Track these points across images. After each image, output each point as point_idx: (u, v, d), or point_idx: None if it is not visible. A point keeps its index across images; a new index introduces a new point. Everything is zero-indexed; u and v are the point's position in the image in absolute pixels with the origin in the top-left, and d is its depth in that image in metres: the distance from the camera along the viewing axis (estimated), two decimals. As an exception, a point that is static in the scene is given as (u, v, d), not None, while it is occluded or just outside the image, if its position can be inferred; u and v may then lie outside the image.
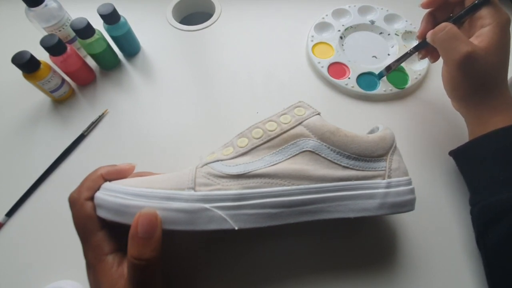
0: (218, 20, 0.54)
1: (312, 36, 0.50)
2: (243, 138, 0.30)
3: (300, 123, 0.29)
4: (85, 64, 0.45)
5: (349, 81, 0.45)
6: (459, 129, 0.40)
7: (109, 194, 0.25)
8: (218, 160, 0.28)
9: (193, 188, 0.26)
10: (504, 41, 0.32)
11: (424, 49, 0.39)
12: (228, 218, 0.25)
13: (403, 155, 0.32)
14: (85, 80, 0.47)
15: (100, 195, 0.26)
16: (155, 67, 0.49)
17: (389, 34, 0.50)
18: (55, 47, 0.40)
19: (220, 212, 0.25)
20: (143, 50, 0.51)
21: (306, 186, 0.27)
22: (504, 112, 0.33)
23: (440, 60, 0.39)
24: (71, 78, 0.46)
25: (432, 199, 0.36)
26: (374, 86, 0.45)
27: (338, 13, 0.52)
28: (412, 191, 0.30)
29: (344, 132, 0.30)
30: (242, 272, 0.33)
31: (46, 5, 0.41)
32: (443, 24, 0.33)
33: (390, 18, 0.51)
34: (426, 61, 0.46)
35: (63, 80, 0.44)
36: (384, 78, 0.45)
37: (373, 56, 0.48)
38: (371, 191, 0.28)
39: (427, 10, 0.38)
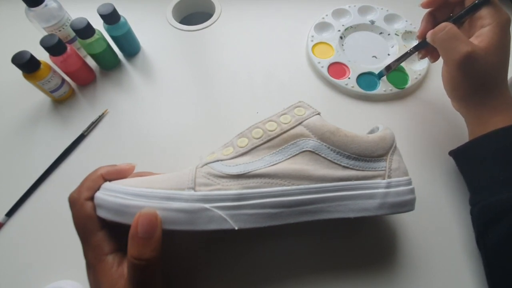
0: (218, 20, 0.54)
1: (312, 36, 0.50)
2: (243, 138, 0.30)
3: (300, 123, 0.29)
4: (85, 64, 0.45)
5: (349, 81, 0.45)
6: (459, 129, 0.40)
7: (109, 194, 0.25)
8: (218, 160, 0.28)
9: (193, 188, 0.26)
10: (504, 41, 0.32)
11: (424, 49, 0.39)
12: (228, 218, 0.25)
13: (403, 155, 0.32)
14: (85, 80, 0.47)
15: (100, 195, 0.26)
16: (155, 67, 0.49)
17: (389, 34, 0.50)
18: (55, 47, 0.40)
19: (220, 212, 0.25)
20: (143, 50, 0.51)
21: (306, 186, 0.27)
22: (504, 112, 0.33)
23: (440, 60, 0.39)
24: (71, 78, 0.46)
25: (432, 199, 0.36)
26: (374, 86, 0.45)
27: (338, 13, 0.52)
28: (412, 191, 0.30)
29: (344, 132, 0.30)
30: (242, 272, 0.33)
31: (46, 5, 0.41)
32: (443, 24, 0.33)
33: (390, 18, 0.51)
34: (426, 61, 0.46)
35: (63, 80, 0.44)
36: (384, 78, 0.45)
37: (373, 56, 0.48)
38: (371, 191, 0.28)
39: (427, 10, 0.38)
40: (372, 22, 0.51)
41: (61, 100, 0.45)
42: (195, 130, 0.43)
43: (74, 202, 0.26)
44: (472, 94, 0.34)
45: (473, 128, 0.35)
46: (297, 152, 0.29)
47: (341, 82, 0.45)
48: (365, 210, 0.28)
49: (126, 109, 0.45)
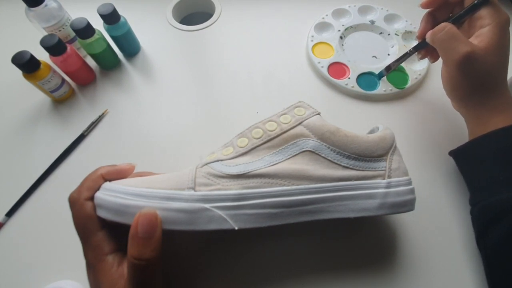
0: (218, 20, 0.54)
1: (312, 36, 0.50)
2: (243, 138, 0.30)
3: (300, 123, 0.29)
4: (85, 64, 0.45)
5: (349, 81, 0.45)
6: (459, 129, 0.40)
7: (109, 194, 0.25)
8: (218, 160, 0.28)
9: (193, 188, 0.26)
10: (503, 41, 0.32)
11: (424, 49, 0.39)
12: (228, 218, 0.25)
13: (403, 155, 0.32)
14: (85, 80, 0.47)
15: (100, 195, 0.26)
16: (155, 67, 0.49)
17: (389, 34, 0.50)
18: (55, 47, 0.40)
19: (220, 212, 0.25)
20: (143, 50, 0.51)
21: (306, 186, 0.27)
22: (504, 112, 0.33)
23: (440, 60, 0.39)
24: (71, 78, 0.46)
25: (432, 199, 0.36)
26: (374, 86, 0.45)
27: (338, 13, 0.52)
28: (412, 191, 0.30)
29: (344, 132, 0.30)
30: (242, 272, 0.33)
31: (46, 5, 0.41)
32: (443, 24, 0.33)
33: (390, 18, 0.51)
34: (426, 61, 0.46)
35: (63, 80, 0.44)
36: (384, 78, 0.45)
37: (373, 56, 0.48)
38: (371, 191, 0.28)
39: (427, 10, 0.38)
40: (372, 22, 0.51)
41: (61, 100, 0.45)
42: (195, 130, 0.43)
43: (74, 202, 0.26)
44: (472, 94, 0.34)
45: (473, 128, 0.35)
46: (297, 152, 0.29)
47: (341, 82, 0.45)
48: (365, 210, 0.28)
49: (126, 109, 0.45)
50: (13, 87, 0.46)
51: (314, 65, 0.47)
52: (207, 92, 0.46)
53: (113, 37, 0.46)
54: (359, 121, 0.42)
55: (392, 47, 0.49)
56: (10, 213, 0.37)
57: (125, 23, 0.45)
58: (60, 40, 0.40)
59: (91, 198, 0.26)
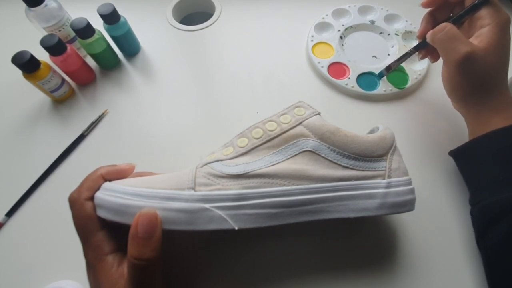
0: (218, 20, 0.54)
1: (312, 36, 0.50)
2: (243, 138, 0.30)
3: (300, 123, 0.29)
4: (85, 64, 0.45)
5: (349, 81, 0.45)
6: (459, 129, 0.40)
7: (109, 194, 0.25)
8: (218, 160, 0.28)
9: (193, 188, 0.26)
10: (503, 41, 0.32)
11: (424, 49, 0.39)
12: (228, 218, 0.25)
13: (403, 155, 0.32)
14: (85, 80, 0.47)
15: (100, 195, 0.26)
16: (155, 67, 0.49)
17: (389, 34, 0.50)
18: (55, 47, 0.40)
19: (220, 212, 0.25)
20: (143, 50, 0.51)
21: (306, 186, 0.27)
22: (504, 112, 0.33)
23: (440, 60, 0.39)
24: (71, 78, 0.46)
25: (432, 199, 0.36)
26: (374, 86, 0.45)
27: (338, 13, 0.52)
28: (412, 191, 0.30)
29: (344, 132, 0.30)
30: (242, 272, 0.33)
31: (46, 5, 0.41)
32: (443, 24, 0.33)
33: (390, 18, 0.51)
34: (426, 61, 0.46)
35: (63, 80, 0.44)
36: (384, 78, 0.45)
37: (373, 56, 0.48)
38: (371, 191, 0.28)
39: (427, 10, 0.38)
40: (372, 22, 0.51)
41: (61, 100, 0.45)
42: (195, 130, 0.43)
43: (74, 202, 0.26)
44: (472, 94, 0.34)
45: (473, 128, 0.35)
46: (297, 152, 0.29)
47: (341, 82, 0.45)
48: (365, 210, 0.28)
49: (126, 109, 0.45)
50: (13, 87, 0.46)
51: (314, 65, 0.47)
52: (207, 92, 0.46)
53: (113, 37, 0.46)
54: (359, 121, 0.42)
55: (392, 47, 0.49)
56: (10, 213, 0.37)
57: (125, 23, 0.45)
58: (60, 40, 0.40)
59: (91, 198, 0.26)
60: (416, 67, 0.46)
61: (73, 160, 0.41)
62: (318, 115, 0.30)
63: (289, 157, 0.28)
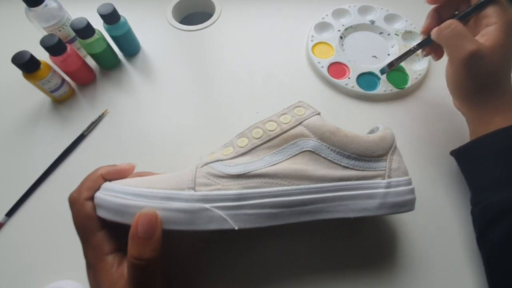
0: (218, 20, 0.54)
1: (312, 36, 0.50)
2: (243, 138, 0.30)
3: (300, 123, 0.29)
4: (85, 64, 0.45)
5: (349, 81, 0.45)
6: (459, 129, 0.40)
7: (109, 194, 0.25)
8: (218, 160, 0.28)
9: (193, 188, 0.26)
10: (509, 40, 0.31)
11: (428, 46, 0.39)
12: (228, 218, 0.25)
13: (403, 155, 0.32)
14: (85, 80, 0.47)
15: (100, 195, 0.26)
16: (155, 67, 0.49)
17: (389, 34, 0.50)
18: (55, 47, 0.40)
19: (220, 212, 0.25)
20: (143, 50, 0.51)
21: (306, 186, 0.27)
22: (506, 112, 0.32)
23: (441, 60, 0.39)
24: (71, 78, 0.46)
25: (432, 199, 0.36)
26: (374, 86, 0.45)
27: (338, 13, 0.52)
28: (412, 191, 0.30)
29: (344, 132, 0.30)
30: (242, 272, 0.33)
31: (46, 5, 0.41)
32: (449, 21, 0.33)
33: (390, 18, 0.51)
34: (426, 61, 0.46)
35: (63, 80, 0.44)
36: (384, 78, 0.45)
37: (373, 56, 0.48)
38: (371, 191, 0.28)
39: (432, 7, 0.37)
40: (372, 22, 0.51)
41: (61, 100, 0.45)
42: (195, 130, 0.43)
43: (74, 202, 0.26)
44: (476, 93, 0.33)
45: (474, 127, 0.35)
46: (297, 152, 0.29)
47: (341, 82, 0.45)
48: (365, 210, 0.28)
49: (126, 109, 0.45)
50: (13, 87, 0.46)
51: (314, 65, 0.47)
52: (207, 92, 0.46)
53: (113, 37, 0.46)
54: (359, 121, 0.42)
55: (392, 47, 0.49)
56: (10, 213, 0.37)
57: (125, 23, 0.45)
58: (60, 40, 0.40)
59: (91, 198, 0.26)
60: (416, 67, 0.46)
61: (73, 160, 0.41)
62: (318, 115, 0.30)
63: (289, 157, 0.28)
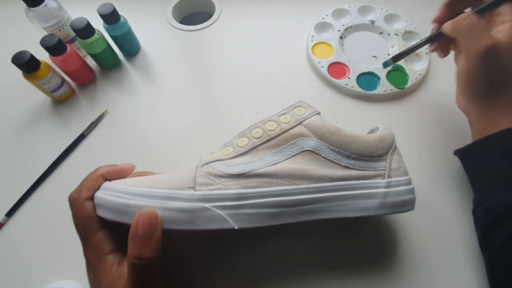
0: (218, 20, 0.54)
1: (312, 36, 0.50)
2: (243, 137, 0.30)
3: (300, 123, 0.29)
4: (85, 64, 0.45)
5: (349, 81, 0.45)
6: (459, 128, 0.40)
7: (109, 194, 0.25)
8: (218, 160, 0.28)
9: (193, 188, 0.26)
10: None
11: (437, 41, 0.38)
12: (228, 217, 0.25)
13: (403, 155, 0.32)
14: (85, 80, 0.47)
15: (100, 194, 0.26)
16: (155, 67, 0.49)
17: (389, 34, 0.50)
18: (55, 47, 0.40)
19: (220, 212, 0.25)
20: (143, 50, 0.51)
21: (306, 185, 0.27)
22: None
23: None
24: (71, 78, 0.46)
25: (432, 198, 0.36)
26: (374, 86, 0.45)
27: (338, 13, 0.52)
28: (412, 190, 0.30)
29: (344, 132, 0.30)
30: (242, 272, 0.33)
31: (46, 5, 0.41)
32: (466, 13, 0.32)
33: (390, 18, 0.51)
34: (426, 61, 0.46)
35: (63, 80, 0.44)
36: (384, 78, 0.45)
37: (373, 56, 0.48)
38: (371, 190, 0.28)
39: (444, 1, 0.37)
40: (372, 22, 0.51)
41: (61, 100, 0.45)
42: (195, 130, 0.43)
43: (74, 202, 0.26)
44: (488, 89, 0.32)
45: (481, 127, 0.33)
46: (297, 152, 0.29)
47: (341, 82, 0.45)
48: (365, 210, 0.28)
49: (126, 109, 0.45)
50: (13, 87, 0.46)
51: (314, 65, 0.47)
52: (207, 92, 0.46)
53: (113, 37, 0.46)
54: (359, 121, 0.42)
55: (392, 47, 0.49)
56: (10, 213, 0.37)
57: (125, 23, 0.45)
58: (60, 40, 0.40)
59: (91, 198, 0.26)
60: (416, 67, 0.46)
61: (73, 160, 0.41)
62: (318, 115, 0.30)
63: (289, 156, 0.28)
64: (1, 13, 0.56)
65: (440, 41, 0.38)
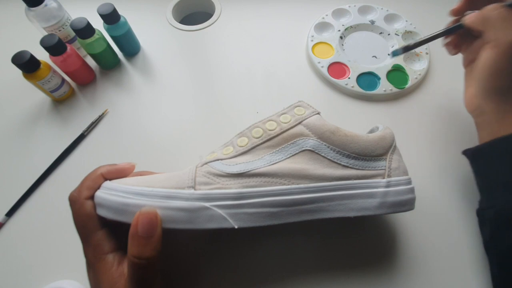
0: (218, 20, 0.54)
1: (312, 36, 0.50)
2: (243, 137, 0.30)
3: (300, 123, 0.29)
4: (85, 64, 0.45)
5: (349, 81, 0.45)
6: (459, 128, 0.40)
7: (109, 193, 0.25)
8: (218, 159, 0.28)
9: (193, 187, 0.26)
10: None
11: (454, 33, 0.36)
12: (228, 217, 0.25)
13: (402, 155, 0.32)
14: (85, 80, 0.47)
15: (100, 194, 0.26)
16: (155, 67, 0.49)
17: (389, 34, 0.50)
18: (55, 47, 0.40)
19: (220, 211, 0.25)
20: (143, 50, 0.51)
21: (306, 185, 0.27)
22: None
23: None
24: (71, 77, 0.46)
25: (432, 198, 0.36)
26: (374, 86, 0.45)
27: (338, 13, 0.52)
28: (411, 190, 0.30)
29: (344, 131, 0.30)
30: (242, 272, 0.33)
31: (46, 5, 0.41)
32: (494, 5, 0.31)
33: (390, 18, 0.51)
34: (426, 61, 0.46)
35: (63, 80, 0.44)
36: (384, 78, 0.45)
37: (373, 56, 0.48)
38: (371, 190, 0.28)
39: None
40: (372, 22, 0.51)
41: (61, 100, 0.45)
42: (195, 129, 0.43)
43: (74, 201, 0.26)
44: (510, 87, 0.31)
45: (495, 126, 0.32)
46: (297, 151, 0.29)
47: (341, 82, 0.45)
48: (365, 209, 0.28)
49: (126, 109, 0.45)
50: (13, 87, 0.46)
51: (314, 65, 0.47)
52: (207, 92, 0.46)
53: (113, 37, 0.46)
54: (359, 121, 0.42)
55: (392, 47, 0.49)
56: (10, 213, 0.37)
57: (125, 23, 0.45)
58: (60, 40, 0.40)
59: (91, 197, 0.26)
60: (416, 67, 0.46)
61: (73, 160, 0.41)
62: (318, 115, 0.30)
63: (289, 156, 0.28)
64: (1, 13, 0.56)
65: (457, 34, 0.36)
